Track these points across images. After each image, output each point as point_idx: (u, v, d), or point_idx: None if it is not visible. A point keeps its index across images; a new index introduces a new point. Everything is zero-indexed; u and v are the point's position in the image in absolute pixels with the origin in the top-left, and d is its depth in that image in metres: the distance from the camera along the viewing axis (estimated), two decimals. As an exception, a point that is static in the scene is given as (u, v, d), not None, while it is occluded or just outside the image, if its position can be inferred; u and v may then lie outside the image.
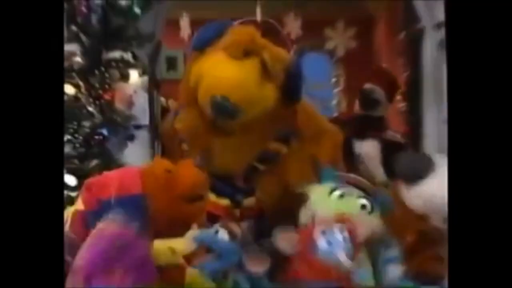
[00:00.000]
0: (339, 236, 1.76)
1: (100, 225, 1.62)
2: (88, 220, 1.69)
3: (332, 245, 1.75)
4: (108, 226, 1.60)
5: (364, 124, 3.15)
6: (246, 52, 2.17)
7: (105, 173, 1.89)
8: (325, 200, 2.00)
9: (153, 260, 1.64)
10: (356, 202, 1.98)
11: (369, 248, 1.92)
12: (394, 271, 1.87)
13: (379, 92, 3.18)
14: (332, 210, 1.93)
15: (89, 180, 1.82)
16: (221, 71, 2.17)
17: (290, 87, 2.26)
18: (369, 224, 1.90)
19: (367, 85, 3.21)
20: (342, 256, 1.73)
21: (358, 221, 1.87)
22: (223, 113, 2.18)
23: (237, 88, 2.13)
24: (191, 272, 1.83)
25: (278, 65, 2.23)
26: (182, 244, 1.87)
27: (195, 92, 2.24)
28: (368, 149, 3.04)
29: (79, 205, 1.78)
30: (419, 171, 1.72)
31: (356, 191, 2.04)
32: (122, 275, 1.50)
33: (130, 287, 1.51)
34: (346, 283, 1.73)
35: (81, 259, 1.57)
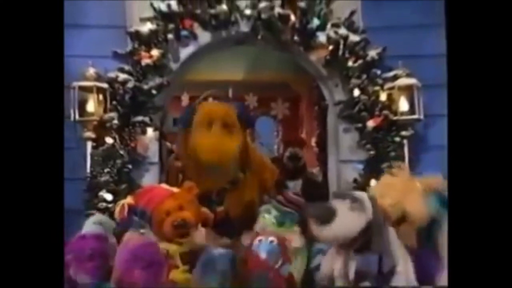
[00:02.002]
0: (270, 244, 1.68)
1: (126, 236, 1.49)
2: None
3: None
4: (132, 237, 1.47)
5: (292, 171, 3.00)
6: (209, 123, 2.08)
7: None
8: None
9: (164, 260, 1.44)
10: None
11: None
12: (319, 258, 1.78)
13: (300, 153, 3.10)
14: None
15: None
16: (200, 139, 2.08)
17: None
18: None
19: (292, 150, 3.09)
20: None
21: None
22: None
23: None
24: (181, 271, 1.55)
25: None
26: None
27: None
28: (295, 186, 2.86)
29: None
30: (325, 219, 1.52)
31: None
32: (140, 273, 1.34)
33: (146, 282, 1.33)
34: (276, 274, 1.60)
35: (116, 260, 1.43)
